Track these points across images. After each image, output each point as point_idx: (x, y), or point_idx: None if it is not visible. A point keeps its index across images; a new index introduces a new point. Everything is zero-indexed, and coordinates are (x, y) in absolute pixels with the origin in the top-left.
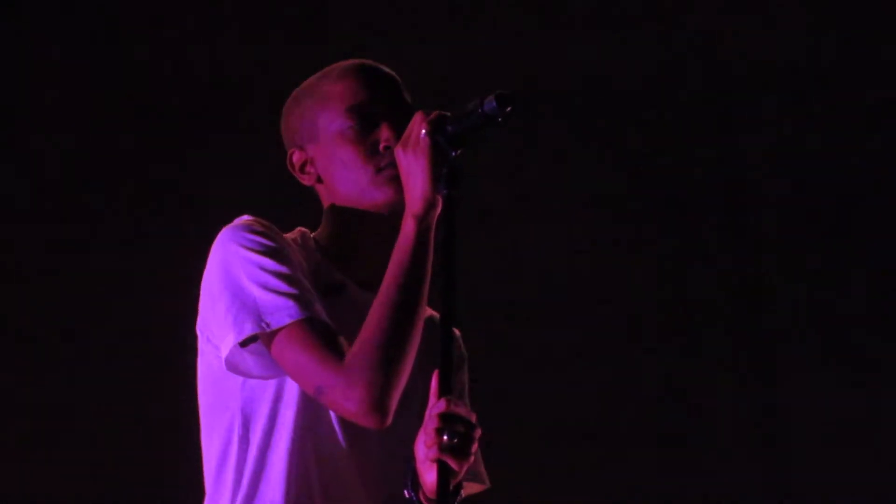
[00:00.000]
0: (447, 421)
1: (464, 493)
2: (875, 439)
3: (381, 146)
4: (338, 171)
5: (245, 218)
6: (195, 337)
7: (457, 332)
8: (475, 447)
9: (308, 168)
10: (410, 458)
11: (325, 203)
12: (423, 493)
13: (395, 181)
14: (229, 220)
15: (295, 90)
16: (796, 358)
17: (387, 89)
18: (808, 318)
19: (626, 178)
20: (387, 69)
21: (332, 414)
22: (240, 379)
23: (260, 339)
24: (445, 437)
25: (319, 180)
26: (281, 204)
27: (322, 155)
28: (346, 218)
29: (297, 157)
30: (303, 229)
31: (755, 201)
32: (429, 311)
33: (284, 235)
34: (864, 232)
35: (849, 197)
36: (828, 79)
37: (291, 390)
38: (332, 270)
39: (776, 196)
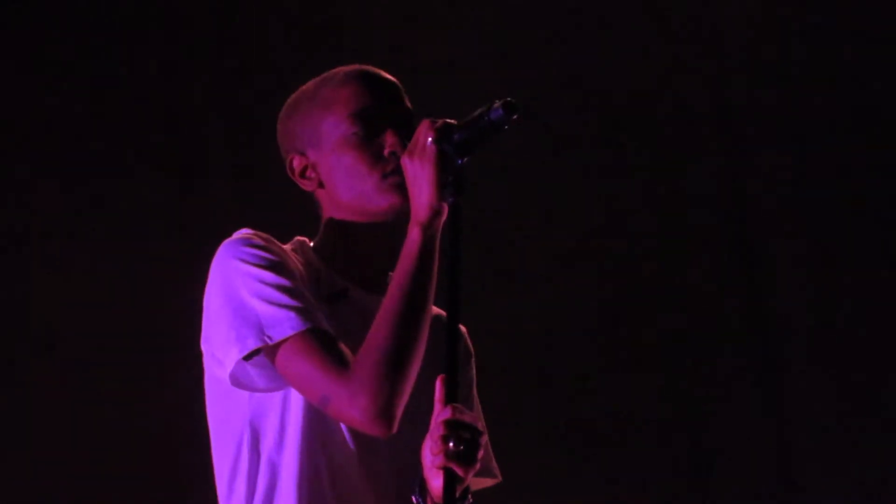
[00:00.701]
0: (453, 428)
1: (476, 487)
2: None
3: (386, 151)
4: (341, 177)
5: (244, 231)
6: (200, 353)
7: (463, 328)
8: (481, 454)
9: (309, 173)
10: (418, 465)
11: (325, 208)
12: (431, 499)
13: (400, 189)
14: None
15: (293, 95)
16: (802, 371)
17: (390, 95)
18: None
19: (630, 189)
20: (388, 75)
21: (339, 422)
22: (246, 392)
23: (263, 353)
24: (451, 444)
25: (321, 185)
26: (279, 214)
27: (325, 160)
28: (348, 224)
29: (297, 163)
30: (301, 238)
31: (762, 221)
32: (440, 313)
33: (283, 246)
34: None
35: (852, 211)
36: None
37: (298, 400)
38: (334, 277)
39: (782, 213)
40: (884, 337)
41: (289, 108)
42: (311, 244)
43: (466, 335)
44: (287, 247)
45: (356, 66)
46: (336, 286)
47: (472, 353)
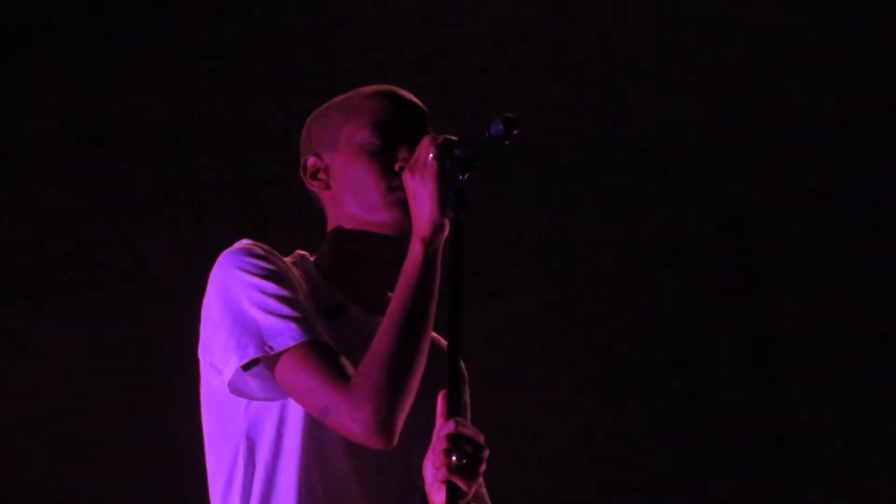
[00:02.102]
0: (456, 441)
1: None
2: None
3: (397, 166)
4: (349, 184)
5: (244, 242)
6: (196, 362)
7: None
8: (483, 467)
9: (320, 175)
10: (418, 480)
11: (330, 215)
12: None
13: (403, 204)
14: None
15: (325, 104)
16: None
17: (414, 115)
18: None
19: (630, 212)
20: (418, 100)
21: (336, 434)
22: (244, 402)
23: (263, 363)
24: (454, 458)
25: (328, 188)
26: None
27: (338, 165)
28: (350, 236)
29: (311, 163)
30: (301, 252)
31: (757, 239)
32: (434, 336)
33: (287, 259)
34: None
35: (850, 225)
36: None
37: (295, 412)
38: (333, 292)
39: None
40: (882, 352)
41: (315, 114)
42: (313, 259)
43: (462, 364)
44: (287, 260)
45: (388, 86)
46: (334, 301)
47: (467, 379)
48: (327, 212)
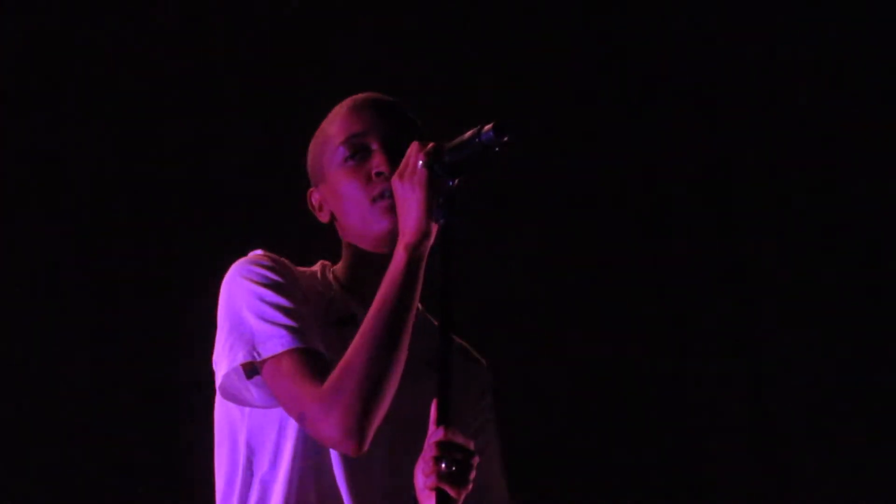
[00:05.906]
0: (445, 449)
1: None
2: None
3: (373, 172)
4: (341, 206)
5: (256, 252)
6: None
7: (484, 361)
8: (473, 475)
9: (323, 206)
10: (411, 488)
11: (343, 237)
12: None
13: (390, 211)
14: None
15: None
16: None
17: (380, 117)
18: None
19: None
20: (384, 97)
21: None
22: (245, 410)
23: (260, 370)
24: (444, 465)
25: (333, 217)
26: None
27: (329, 192)
28: (356, 250)
29: (315, 198)
30: (325, 262)
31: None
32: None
33: (306, 269)
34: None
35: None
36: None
37: (294, 423)
38: (347, 301)
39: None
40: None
41: (309, 146)
42: (333, 268)
43: (487, 370)
44: (310, 270)
45: (352, 97)
46: (346, 311)
47: (490, 389)
48: (340, 236)
